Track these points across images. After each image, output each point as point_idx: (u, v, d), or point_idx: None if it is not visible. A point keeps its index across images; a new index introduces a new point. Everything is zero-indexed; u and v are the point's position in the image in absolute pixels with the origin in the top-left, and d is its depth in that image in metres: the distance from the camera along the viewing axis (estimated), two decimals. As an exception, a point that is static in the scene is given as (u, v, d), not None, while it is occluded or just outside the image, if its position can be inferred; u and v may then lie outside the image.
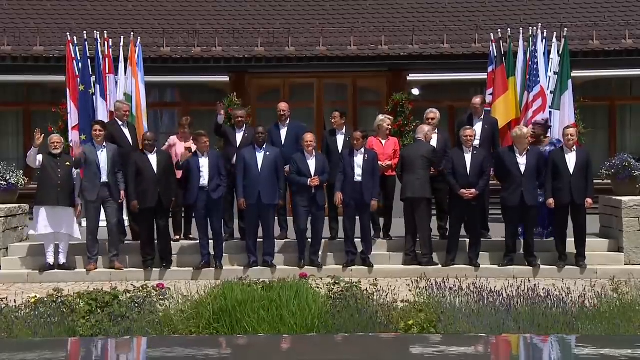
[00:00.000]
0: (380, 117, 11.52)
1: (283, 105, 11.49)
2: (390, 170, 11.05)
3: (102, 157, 10.61)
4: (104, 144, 10.69)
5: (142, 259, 10.68)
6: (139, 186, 10.57)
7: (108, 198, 10.57)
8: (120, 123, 11.30)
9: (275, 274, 10.19)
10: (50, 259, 10.58)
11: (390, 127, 11.48)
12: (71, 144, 11.86)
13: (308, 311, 7.38)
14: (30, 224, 11.02)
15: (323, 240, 10.90)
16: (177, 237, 11.35)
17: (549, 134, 11.43)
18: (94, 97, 12.04)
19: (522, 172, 10.45)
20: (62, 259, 10.64)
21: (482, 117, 11.39)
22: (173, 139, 11.50)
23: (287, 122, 11.38)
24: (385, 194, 11.16)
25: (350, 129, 11.63)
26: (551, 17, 16.38)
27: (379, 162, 10.81)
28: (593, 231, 11.36)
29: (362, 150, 10.65)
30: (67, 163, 10.66)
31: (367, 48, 15.83)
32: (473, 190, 10.51)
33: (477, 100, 11.50)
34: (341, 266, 10.66)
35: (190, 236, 11.33)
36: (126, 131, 11.31)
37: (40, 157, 10.57)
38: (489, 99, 12.31)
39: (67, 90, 12.33)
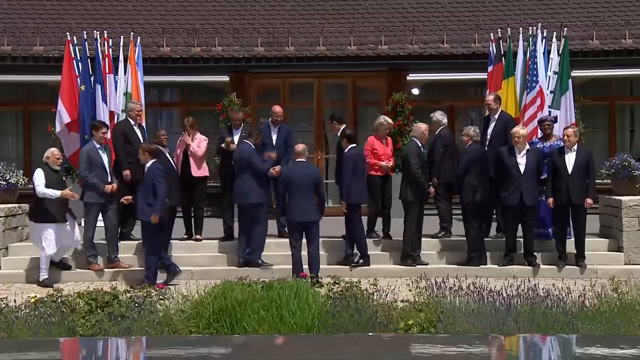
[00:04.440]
0: (380, 118, 11.55)
1: (278, 109, 11.73)
2: (390, 171, 11.05)
3: (105, 158, 10.68)
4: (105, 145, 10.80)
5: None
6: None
7: (110, 199, 10.60)
8: (132, 122, 11.40)
9: (275, 274, 10.18)
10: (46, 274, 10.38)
11: (388, 129, 11.42)
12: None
13: (308, 311, 7.38)
14: (34, 239, 10.65)
15: (323, 240, 10.90)
16: (198, 235, 11.40)
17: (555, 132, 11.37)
18: (95, 96, 11.96)
19: (522, 172, 10.45)
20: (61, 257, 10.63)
21: (497, 115, 11.36)
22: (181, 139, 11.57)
23: (279, 125, 11.65)
24: (383, 193, 11.17)
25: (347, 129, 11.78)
26: (551, 17, 16.37)
27: (381, 162, 10.83)
28: (593, 231, 11.36)
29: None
30: (63, 177, 10.85)
31: (367, 48, 15.82)
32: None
33: (489, 97, 11.50)
34: (341, 266, 10.65)
35: (197, 237, 11.40)
36: (138, 131, 11.42)
37: (42, 176, 10.32)
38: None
39: (61, 90, 12.15)
